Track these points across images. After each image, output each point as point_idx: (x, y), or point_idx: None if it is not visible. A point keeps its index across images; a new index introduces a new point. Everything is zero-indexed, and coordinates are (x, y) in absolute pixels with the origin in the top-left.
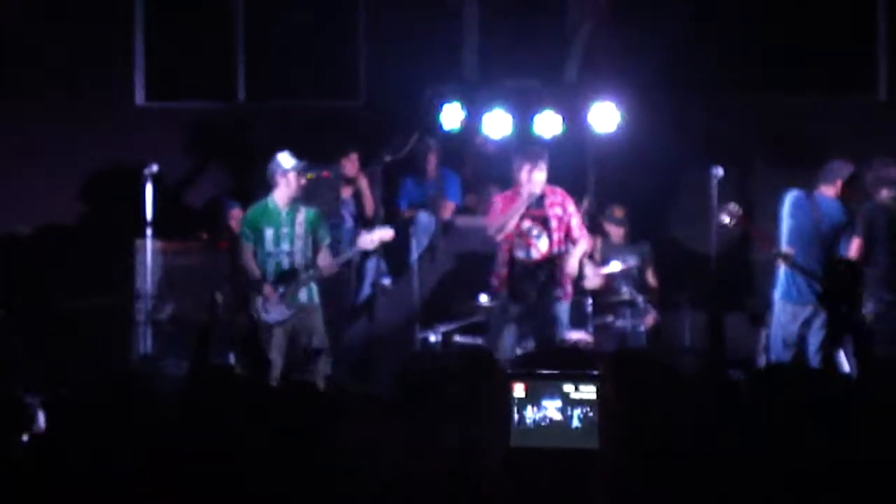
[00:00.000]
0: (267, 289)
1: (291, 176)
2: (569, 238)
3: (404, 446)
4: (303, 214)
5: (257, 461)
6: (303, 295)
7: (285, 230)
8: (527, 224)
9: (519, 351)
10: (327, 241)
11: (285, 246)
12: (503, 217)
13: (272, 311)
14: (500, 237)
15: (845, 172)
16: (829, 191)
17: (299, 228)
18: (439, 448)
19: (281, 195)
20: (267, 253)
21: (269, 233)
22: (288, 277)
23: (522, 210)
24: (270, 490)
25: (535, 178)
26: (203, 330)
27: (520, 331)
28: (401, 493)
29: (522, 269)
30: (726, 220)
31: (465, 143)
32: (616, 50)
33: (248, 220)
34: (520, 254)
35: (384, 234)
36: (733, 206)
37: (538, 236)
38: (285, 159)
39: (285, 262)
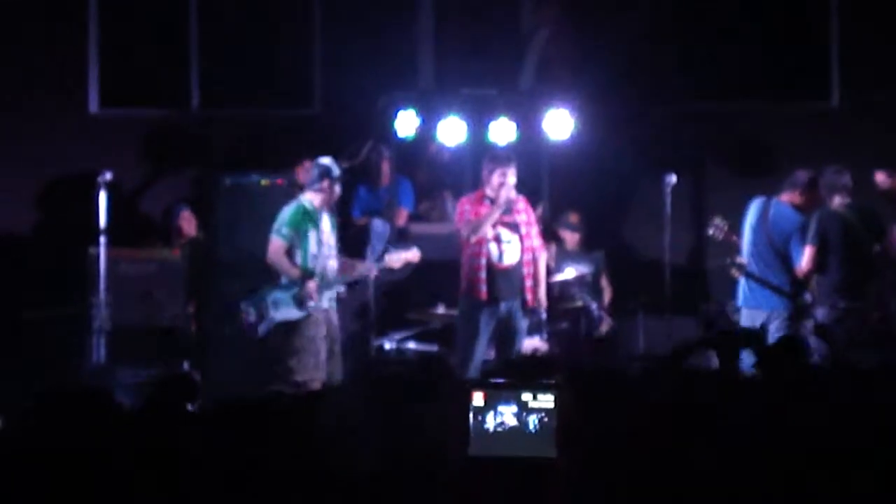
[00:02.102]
0: (311, 284)
1: (336, 183)
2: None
3: (363, 451)
4: (328, 218)
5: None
6: (325, 301)
7: (324, 233)
8: (498, 229)
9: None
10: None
11: (325, 249)
12: (478, 220)
13: (282, 307)
14: (474, 239)
15: (807, 183)
16: (788, 198)
17: (330, 233)
18: (398, 454)
19: (319, 199)
20: (312, 255)
21: (312, 235)
22: (327, 284)
23: (498, 214)
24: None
25: (509, 182)
26: (181, 338)
27: (486, 336)
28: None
29: (496, 274)
30: (713, 233)
31: (419, 150)
32: (571, 57)
33: (290, 219)
34: (492, 258)
35: (411, 255)
36: (719, 220)
37: (509, 242)
38: (334, 165)
39: (328, 266)
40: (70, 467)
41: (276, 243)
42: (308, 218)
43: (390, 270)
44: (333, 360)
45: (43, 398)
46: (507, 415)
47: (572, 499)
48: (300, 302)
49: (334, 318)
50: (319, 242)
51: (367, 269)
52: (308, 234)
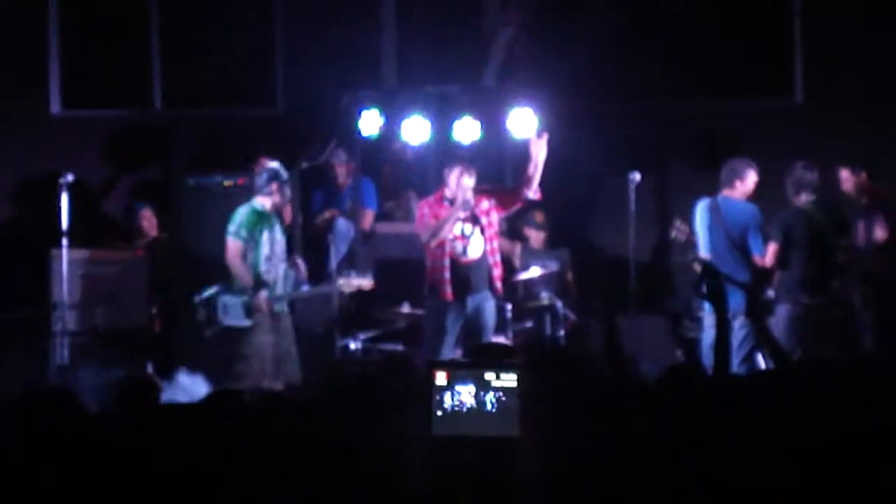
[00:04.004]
0: (262, 296)
1: (286, 186)
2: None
3: (331, 447)
4: (278, 221)
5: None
6: (276, 305)
7: (277, 236)
8: (459, 225)
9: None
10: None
11: (278, 252)
12: (437, 225)
13: (231, 312)
14: (433, 243)
15: (746, 171)
16: (732, 192)
17: (281, 238)
18: (366, 447)
19: (271, 202)
20: (266, 258)
21: (266, 237)
22: (280, 297)
23: (457, 216)
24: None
25: (464, 183)
26: (146, 339)
27: (453, 335)
28: (328, 491)
29: (462, 269)
30: (675, 236)
31: (383, 149)
32: (535, 55)
33: (246, 221)
34: (456, 254)
35: (366, 283)
36: (680, 223)
37: (471, 234)
38: (281, 168)
39: (279, 270)
40: (38, 469)
41: (234, 245)
42: (262, 220)
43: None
44: (289, 362)
45: (13, 400)
46: (464, 394)
47: (535, 478)
48: (249, 311)
49: (286, 321)
50: (272, 246)
51: (321, 289)
52: (262, 237)
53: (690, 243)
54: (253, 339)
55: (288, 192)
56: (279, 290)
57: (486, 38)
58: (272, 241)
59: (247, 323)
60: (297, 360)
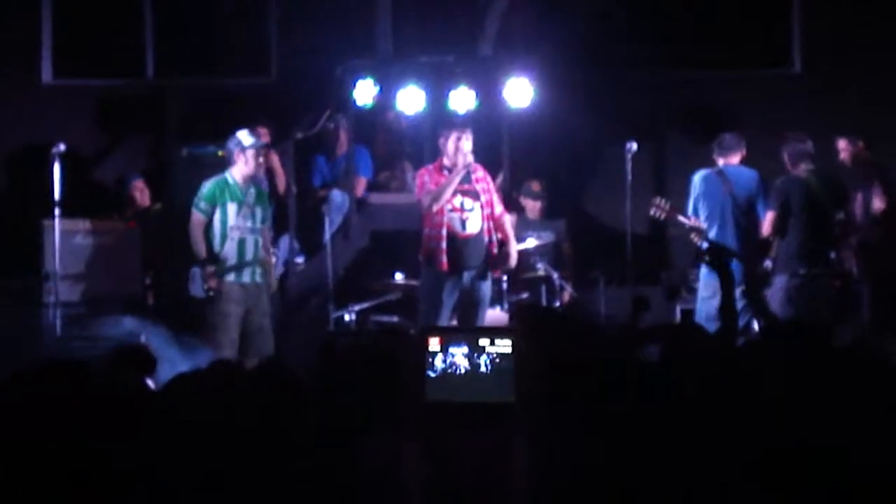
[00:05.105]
0: (209, 270)
1: (250, 153)
2: (492, 216)
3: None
4: (254, 191)
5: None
6: (246, 275)
7: (247, 206)
8: (459, 198)
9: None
10: (268, 220)
11: (248, 222)
12: (438, 189)
13: (195, 282)
14: (436, 208)
15: (741, 142)
16: (732, 161)
17: (255, 207)
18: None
19: (239, 172)
20: (230, 227)
21: (232, 207)
22: (240, 266)
23: (457, 180)
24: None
25: (463, 148)
26: (140, 311)
27: (449, 307)
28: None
29: (459, 243)
30: (655, 213)
31: (377, 119)
32: (531, 24)
33: (207, 194)
34: (454, 227)
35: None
36: (659, 200)
37: (471, 209)
38: (245, 137)
39: (249, 239)
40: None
41: (195, 217)
42: (227, 191)
43: None
44: (262, 335)
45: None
46: (458, 356)
47: (533, 442)
48: (202, 283)
49: (258, 295)
50: (239, 215)
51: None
52: (226, 206)
53: (671, 221)
54: (216, 308)
55: (253, 157)
56: (245, 262)
57: (482, 6)
58: (238, 212)
59: (203, 294)
60: (270, 335)
